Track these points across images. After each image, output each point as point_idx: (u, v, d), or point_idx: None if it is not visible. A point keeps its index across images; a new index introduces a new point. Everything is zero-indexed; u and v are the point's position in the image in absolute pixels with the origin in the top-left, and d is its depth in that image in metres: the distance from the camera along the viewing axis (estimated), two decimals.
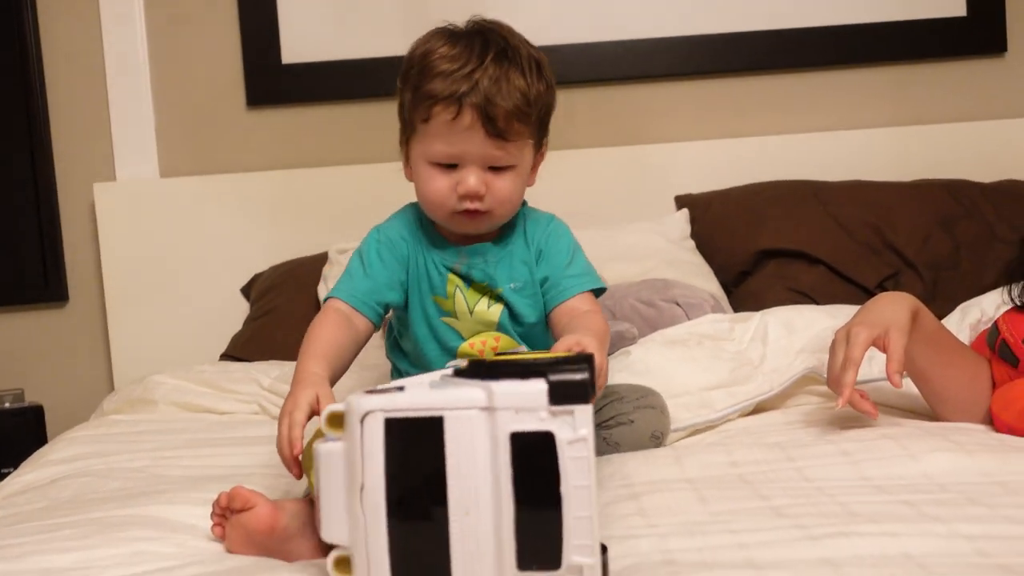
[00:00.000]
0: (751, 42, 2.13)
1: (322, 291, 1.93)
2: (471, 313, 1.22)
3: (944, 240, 1.89)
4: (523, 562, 0.76)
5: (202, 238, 2.14)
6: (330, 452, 0.81)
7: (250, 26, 2.16)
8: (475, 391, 0.78)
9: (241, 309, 2.10)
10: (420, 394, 0.80)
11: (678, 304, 1.56)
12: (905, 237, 1.89)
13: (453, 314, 1.22)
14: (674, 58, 2.14)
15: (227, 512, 0.98)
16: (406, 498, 0.78)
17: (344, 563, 0.81)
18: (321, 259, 2.00)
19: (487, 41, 1.15)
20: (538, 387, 0.77)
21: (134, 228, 2.14)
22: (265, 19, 2.15)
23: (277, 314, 1.96)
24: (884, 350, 1.20)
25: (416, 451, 0.78)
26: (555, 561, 0.76)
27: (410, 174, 1.23)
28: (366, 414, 0.78)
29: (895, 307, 1.24)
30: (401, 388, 0.81)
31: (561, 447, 0.75)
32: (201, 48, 2.19)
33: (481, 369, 0.82)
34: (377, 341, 1.39)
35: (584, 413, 0.77)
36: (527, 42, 1.20)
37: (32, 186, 2.16)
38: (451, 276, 1.22)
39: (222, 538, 0.99)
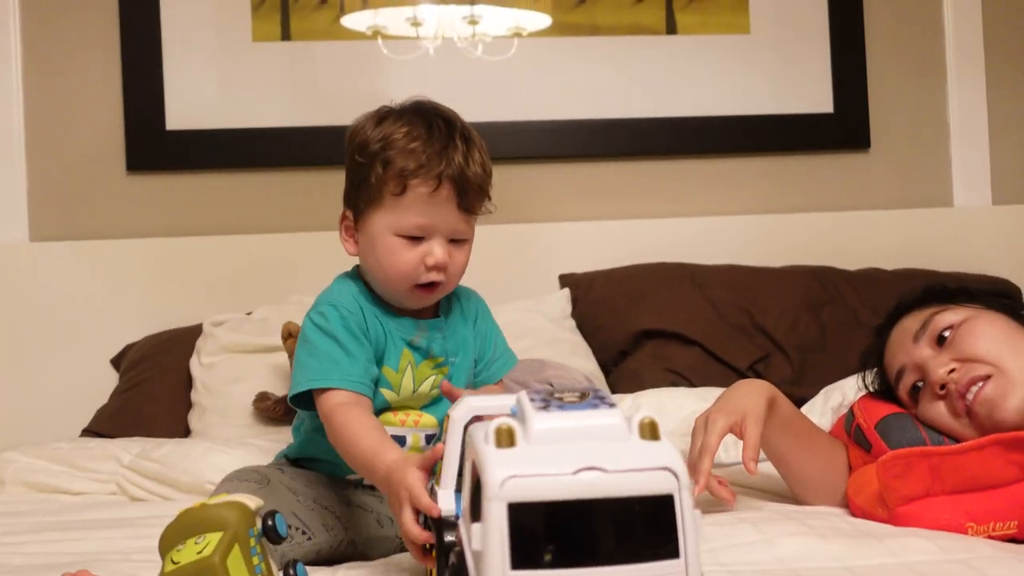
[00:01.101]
0: (635, 128, 2.21)
1: (195, 365, 1.87)
2: (414, 392, 1.22)
3: (811, 324, 1.97)
4: None
5: (73, 306, 2.06)
6: None
7: (134, 88, 2.12)
8: None
9: (111, 381, 2.02)
10: None
11: (551, 385, 1.57)
12: (774, 320, 1.96)
13: (395, 388, 1.21)
14: (561, 140, 2.20)
15: None
16: None
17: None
18: (196, 331, 1.95)
19: (448, 121, 1.20)
20: None
21: None
22: (150, 82, 2.12)
23: (146, 387, 1.89)
24: (741, 437, 1.24)
25: None
26: None
27: (354, 248, 1.24)
28: None
29: (752, 395, 1.28)
30: None
31: None
32: (81, 109, 2.13)
33: None
34: None
35: None
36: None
37: None
38: (406, 350, 1.21)
39: None
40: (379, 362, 1.21)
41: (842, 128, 2.27)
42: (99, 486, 1.53)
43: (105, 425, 1.84)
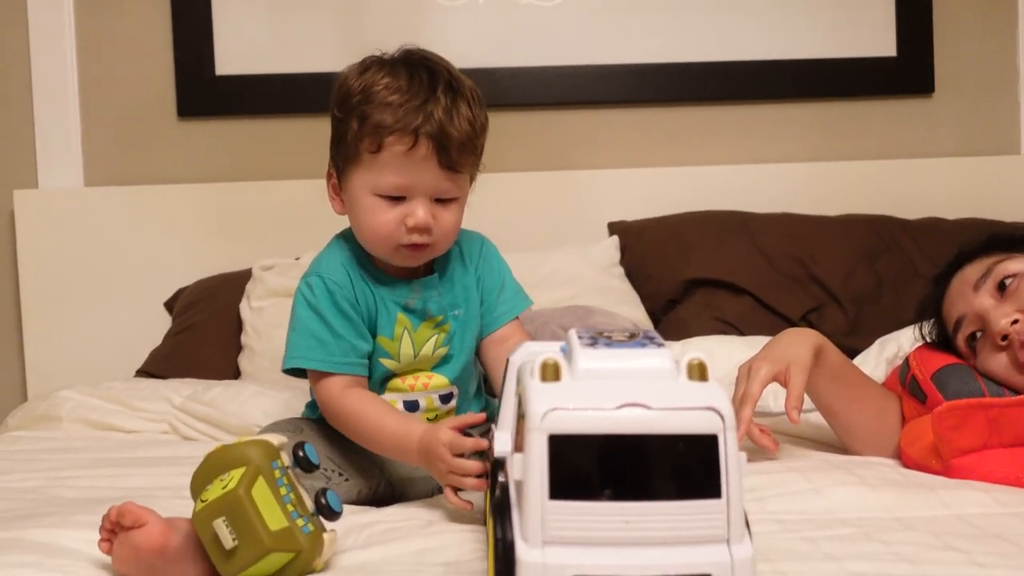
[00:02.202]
0: (686, 73, 2.15)
1: (244, 309, 1.89)
2: (415, 356, 1.19)
3: (867, 274, 1.92)
4: None
5: (126, 250, 2.09)
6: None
7: (184, 35, 2.12)
8: None
9: (164, 323, 2.05)
10: None
11: None
12: (829, 270, 1.92)
13: (394, 356, 1.19)
14: (609, 86, 2.15)
15: (116, 528, 0.94)
16: None
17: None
18: (245, 275, 1.97)
19: (432, 72, 1.13)
20: None
21: (54, 237, 2.08)
22: (200, 28, 2.12)
23: (197, 330, 1.92)
24: (785, 385, 1.22)
25: None
26: None
27: (341, 207, 1.19)
28: None
29: (798, 344, 1.26)
30: None
31: None
32: (132, 55, 2.15)
33: None
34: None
35: None
36: (461, 73, 1.18)
37: None
38: (400, 316, 1.18)
39: (109, 553, 0.94)
40: (373, 332, 1.17)
41: (905, 72, 2.19)
42: (152, 425, 1.57)
43: (158, 366, 1.88)
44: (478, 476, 1.02)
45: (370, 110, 1.11)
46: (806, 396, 1.34)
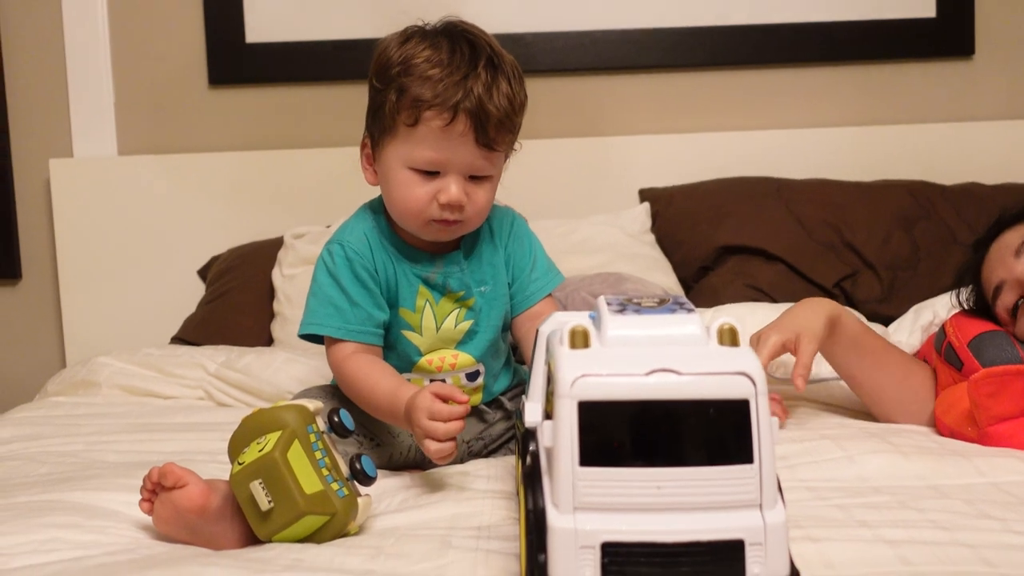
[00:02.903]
0: (719, 37, 2.12)
1: (276, 276, 1.91)
2: (437, 330, 1.19)
3: (903, 241, 1.89)
4: None
5: (159, 218, 2.12)
6: None
7: (214, 3, 2.12)
8: None
9: (198, 291, 2.08)
10: None
11: None
12: (864, 237, 1.89)
13: (416, 329, 1.19)
14: (640, 50, 2.12)
15: (157, 488, 0.96)
16: None
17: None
18: (277, 243, 1.98)
19: (474, 47, 1.11)
20: None
21: (90, 206, 2.11)
22: None
23: (230, 297, 1.94)
24: (795, 354, 1.22)
25: None
26: None
27: (373, 177, 1.19)
28: None
29: (810, 314, 1.26)
30: None
31: None
32: (163, 24, 2.15)
33: None
34: None
35: None
36: (502, 48, 1.16)
37: None
38: (422, 288, 1.18)
39: (149, 513, 0.96)
40: (394, 304, 1.17)
41: (944, 34, 2.14)
42: (188, 391, 1.59)
43: (193, 333, 1.90)
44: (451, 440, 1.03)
45: (409, 83, 1.09)
46: (828, 365, 1.34)
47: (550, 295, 1.25)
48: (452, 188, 1.11)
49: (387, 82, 1.11)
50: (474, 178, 1.13)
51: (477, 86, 1.08)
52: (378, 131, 1.15)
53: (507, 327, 1.26)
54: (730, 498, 0.68)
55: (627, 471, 0.67)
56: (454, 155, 1.10)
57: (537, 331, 0.91)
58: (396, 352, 1.20)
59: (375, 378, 1.12)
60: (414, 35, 1.13)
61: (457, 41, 1.11)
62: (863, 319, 1.46)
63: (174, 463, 0.95)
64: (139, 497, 0.98)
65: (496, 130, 1.10)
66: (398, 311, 1.18)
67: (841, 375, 1.32)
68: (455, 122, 1.08)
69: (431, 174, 1.12)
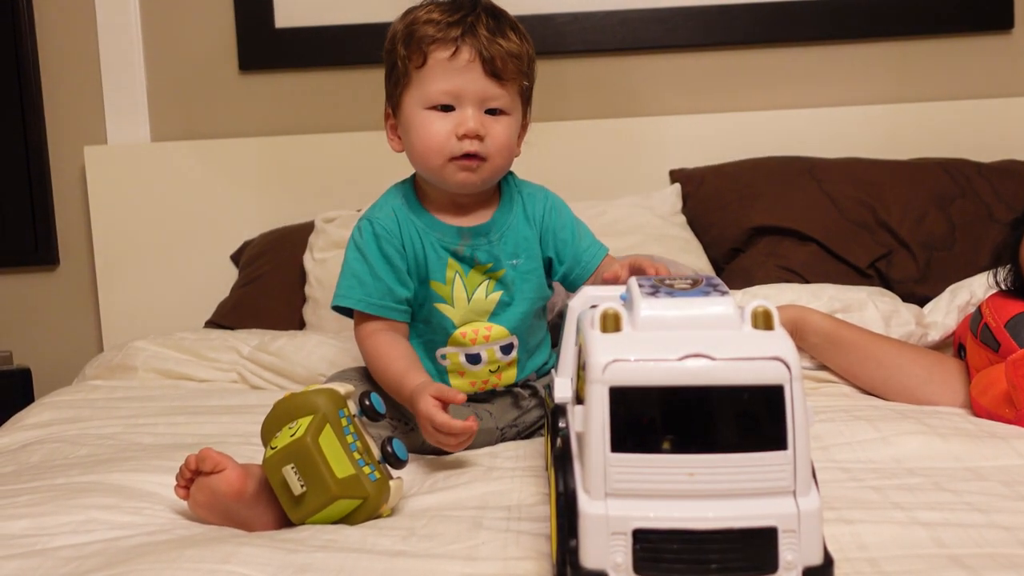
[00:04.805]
0: (749, 15, 2.09)
1: (308, 260, 1.92)
2: (468, 300, 1.20)
3: (939, 220, 1.86)
4: None
5: (193, 203, 2.13)
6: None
7: None
8: None
9: (231, 275, 2.10)
10: None
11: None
12: (899, 216, 1.86)
13: (448, 300, 1.20)
14: (670, 30, 2.10)
15: (195, 474, 0.97)
16: None
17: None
18: (309, 227, 1.99)
19: (475, 0, 1.18)
20: None
21: (125, 192, 2.13)
22: None
23: (263, 282, 1.96)
24: None
25: None
26: None
27: (399, 144, 1.22)
28: None
29: None
30: None
31: None
32: (194, 12, 2.16)
33: None
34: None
35: None
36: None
37: (23, 149, 2.15)
38: (451, 260, 1.20)
39: (185, 499, 0.98)
40: (425, 278, 1.19)
41: (983, 7, 2.09)
42: (222, 375, 1.61)
43: (226, 317, 1.92)
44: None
45: (414, 30, 1.16)
46: None
47: (609, 255, 1.27)
48: (468, 116, 1.15)
49: (395, 42, 1.18)
50: (490, 113, 1.16)
51: (479, 25, 1.15)
52: (395, 90, 1.20)
53: (544, 305, 1.27)
54: (763, 485, 0.67)
55: (659, 457, 0.67)
56: (464, 82, 1.14)
57: (568, 305, 0.92)
58: (431, 326, 1.21)
59: (387, 360, 1.16)
60: (421, 4, 1.20)
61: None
62: (844, 317, 1.45)
63: (211, 448, 0.96)
64: (173, 478, 0.99)
65: (503, 61, 1.15)
66: (429, 284, 1.20)
67: (839, 375, 1.34)
68: (459, 52, 1.13)
69: (447, 109, 1.15)
